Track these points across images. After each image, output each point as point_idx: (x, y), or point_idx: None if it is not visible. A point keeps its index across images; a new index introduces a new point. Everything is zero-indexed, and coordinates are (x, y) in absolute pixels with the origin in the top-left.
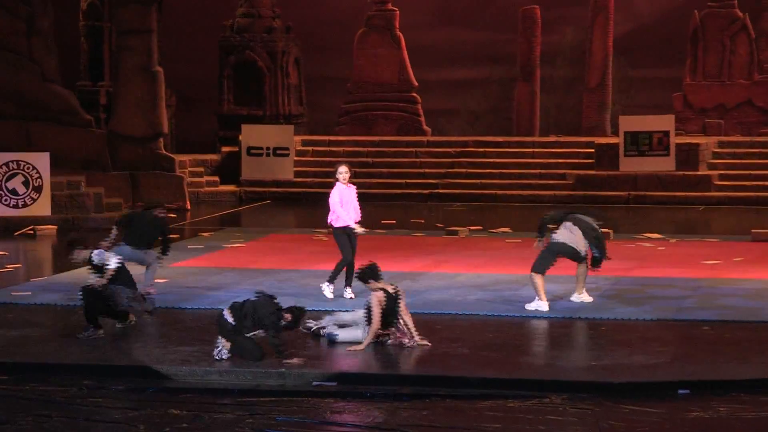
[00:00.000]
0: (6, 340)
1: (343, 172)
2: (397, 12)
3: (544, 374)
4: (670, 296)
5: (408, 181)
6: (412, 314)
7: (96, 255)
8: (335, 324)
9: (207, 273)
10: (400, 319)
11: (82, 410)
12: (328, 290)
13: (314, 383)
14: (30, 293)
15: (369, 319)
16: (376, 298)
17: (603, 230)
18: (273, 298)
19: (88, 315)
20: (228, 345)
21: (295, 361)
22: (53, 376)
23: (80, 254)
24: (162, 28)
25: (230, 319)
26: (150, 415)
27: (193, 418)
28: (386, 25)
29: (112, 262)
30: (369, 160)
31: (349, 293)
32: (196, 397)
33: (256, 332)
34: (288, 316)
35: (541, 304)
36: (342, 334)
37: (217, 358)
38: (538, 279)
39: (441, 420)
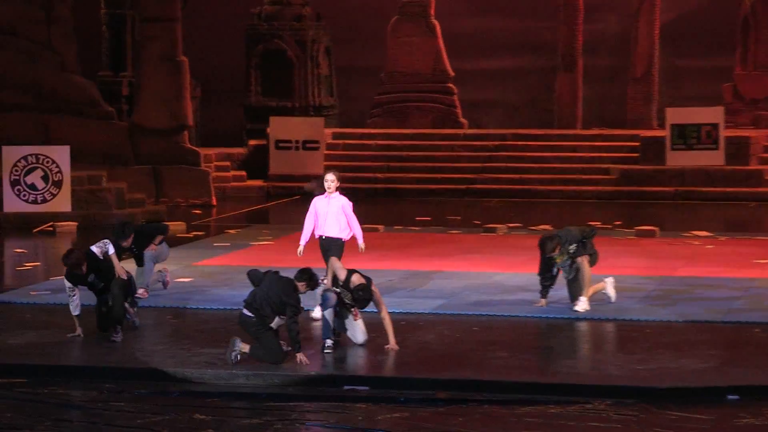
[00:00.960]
0: (24, 341)
1: (328, 180)
2: None
3: (587, 379)
4: (718, 297)
5: (444, 175)
6: (450, 315)
7: (97, 248)
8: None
9: (233, 272)
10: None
11: (103, 415)
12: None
13: (345, 387)
14: (49, 292)
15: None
16: (377, 292)
17: (647, 228)
18: (282, 277)
19: (121, 313)
20: (245, 348)
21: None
22: (73, 380)
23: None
24: (187, 16)
25: (250, 314)
26: (174, 420)
27: (219, 424)
28: (421, 13)
29: (110, 246)
30: (403, 153)
31: (318, 312)
32: (221, 401)
33: (278, 319)
34: (302, 285)
35: (588, 304)
36: (360, 337)
37: (232, 361)
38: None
39: (478, 426)
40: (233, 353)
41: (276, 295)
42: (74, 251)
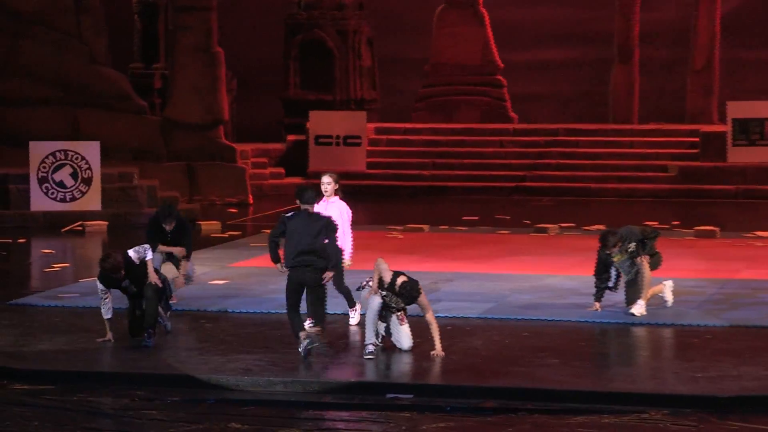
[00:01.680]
0: (52, 346)
1: (324, 183)
2: None
3: (643, 387)
4: None
5: (492, 173)
6: (499, 320)
7: (134, 252)
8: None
9: (270, 274)
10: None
11: (135, 423)
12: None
13: (388, 395)
14: (78, 295)
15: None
16: (423, 295)
17: (707, 228)
18: (300, 212)
19: (154, 317)
20: (313, 330)
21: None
22: (103, 386)
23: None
24: (222, 5)
25: (308, 264)
26: (208, 429)
27: None
28: (469, 1)
29: (149, 252)
30: (449, 149)
31: (355, 317)
32: (259, 409)
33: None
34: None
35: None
36: (406, 342)
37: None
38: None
39: None
40: (305, 343)
41: (314, 227)
42: (112, 255)
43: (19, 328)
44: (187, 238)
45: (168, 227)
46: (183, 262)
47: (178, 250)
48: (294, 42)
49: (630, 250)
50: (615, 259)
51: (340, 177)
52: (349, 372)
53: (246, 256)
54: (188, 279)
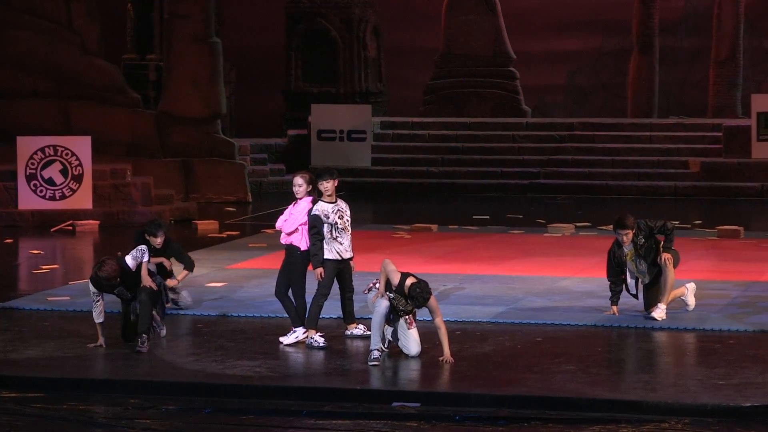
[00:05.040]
0: (41, 352)
1: (296, 185)
2: None
3: (663, 395)
4: None
5: (504, 169)
6: (511, 324)
7: (132, 258)
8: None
9: (271, 276)
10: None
11: None
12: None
13: (394, 404)
14: (68, 298)
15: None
16: (433, 298)
17: (730, 228)
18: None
19: (147, 321)
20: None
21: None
22: (95, 394)
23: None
24: None
25: None
26: None
27: None
28: None
29: (146, 255)
30: (459, 145)
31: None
32: (258, 419)
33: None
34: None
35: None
36: (414, 348)
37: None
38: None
39: None
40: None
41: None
42: (107, 263)
43: (6, 333)
44: (176, 253)
45: (156, 243)
46: (184, 272)
47: (167, 263)
48: (296, 31)
49: (640, 244)
50: (627, 253)
51: (350, 172)
52: (353, 379)
53: (245, 258)
54: (180, 295)
